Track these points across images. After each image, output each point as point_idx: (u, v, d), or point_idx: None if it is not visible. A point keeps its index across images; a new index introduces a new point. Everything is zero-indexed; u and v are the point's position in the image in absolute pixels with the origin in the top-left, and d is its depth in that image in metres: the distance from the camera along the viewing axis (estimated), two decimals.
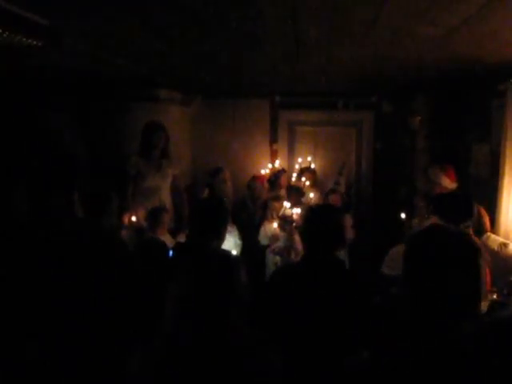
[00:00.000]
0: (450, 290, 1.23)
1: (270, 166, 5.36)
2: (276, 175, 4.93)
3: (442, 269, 1.25)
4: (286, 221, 3.60)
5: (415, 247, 1.34)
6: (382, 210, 5.09)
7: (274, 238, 3.74)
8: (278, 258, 3.54)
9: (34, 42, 2.25)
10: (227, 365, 1.35)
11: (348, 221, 4.01)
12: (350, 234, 3.95)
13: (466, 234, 2.37)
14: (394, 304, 2.30)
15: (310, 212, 2.23)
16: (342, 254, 3.60)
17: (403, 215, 3.56)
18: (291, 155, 5.69)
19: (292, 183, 4.91)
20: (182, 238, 3.29)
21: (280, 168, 5.24)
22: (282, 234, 3.66)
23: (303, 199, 4.39)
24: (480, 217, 3.25)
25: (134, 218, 3.55)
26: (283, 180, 4.81)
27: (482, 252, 1.52)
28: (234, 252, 3.13)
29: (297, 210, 3.60)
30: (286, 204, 3.84)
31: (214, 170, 4.41)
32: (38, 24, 2.17)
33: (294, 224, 3.41)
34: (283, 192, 4.71)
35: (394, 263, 3.15)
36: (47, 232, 2.66)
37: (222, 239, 2.34)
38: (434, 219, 2.63)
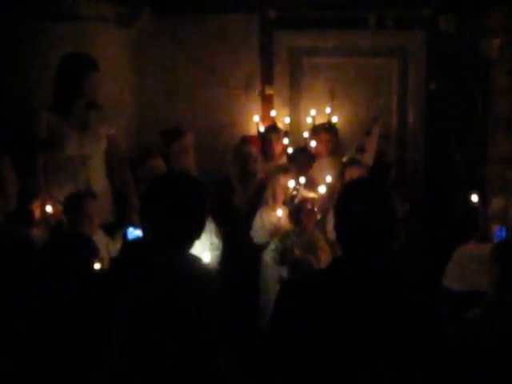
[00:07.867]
0: None
1: (256, 119, 5.35)
2: (262, 136, 4.95)
3: None
4: (300, 207, 3.67)
5: None
6: (441, 190, 5.15)
7: (275, 232, 3.82)
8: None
9: None
10: None
11: None
12: None
13: None
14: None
15: (352, 191, 2.20)
16: None
17: (475, 197, 3.63)
18: (295, 104, 5.69)
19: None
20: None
21: (270, 124, 5.21)
22: (291, 228, 3.75)
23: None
24: None
25: (49, 209, 3.56)
26: (277, 143, 4.84)
27: None
28: (207, 257, 3.32)
29: (322, 189, 3.67)
30: (291, 183, 3.92)
31: (171, 132, 4.42)
32: None
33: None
34: (284, 161, 4.79)
35: (463, 272, 3.30)
36: None
37: (196, 239, 2.38)
38: None
